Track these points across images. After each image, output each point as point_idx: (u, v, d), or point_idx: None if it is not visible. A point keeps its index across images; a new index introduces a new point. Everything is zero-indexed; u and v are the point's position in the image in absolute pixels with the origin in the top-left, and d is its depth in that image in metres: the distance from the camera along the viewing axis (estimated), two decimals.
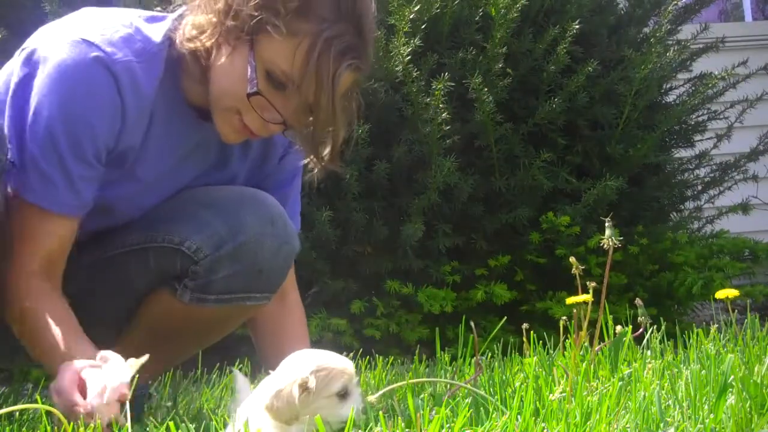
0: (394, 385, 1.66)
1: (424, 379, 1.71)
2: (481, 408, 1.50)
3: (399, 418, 1.37)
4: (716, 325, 2.05)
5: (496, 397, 1.56)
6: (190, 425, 1.40)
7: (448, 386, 1.77)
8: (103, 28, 1.68)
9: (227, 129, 1.72)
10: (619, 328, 1.86)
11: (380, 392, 1.56)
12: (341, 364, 1.38)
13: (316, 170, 1.76)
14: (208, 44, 1.66)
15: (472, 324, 1.89)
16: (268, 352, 1.93)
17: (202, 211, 1.80)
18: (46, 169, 1.64)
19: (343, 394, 1.35)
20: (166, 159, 1.80)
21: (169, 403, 1.98)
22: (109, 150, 1.69)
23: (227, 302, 1.81)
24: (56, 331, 1.62)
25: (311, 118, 1.65)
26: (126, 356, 1.85)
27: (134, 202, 1.82)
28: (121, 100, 1.66)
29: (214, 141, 1.81)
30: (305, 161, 1.78)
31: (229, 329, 1.99)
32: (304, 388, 1.32)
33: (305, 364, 1.36)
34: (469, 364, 2.00)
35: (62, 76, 1.62)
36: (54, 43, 1.66)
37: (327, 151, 1.71)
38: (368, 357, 2.46)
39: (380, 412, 1.31)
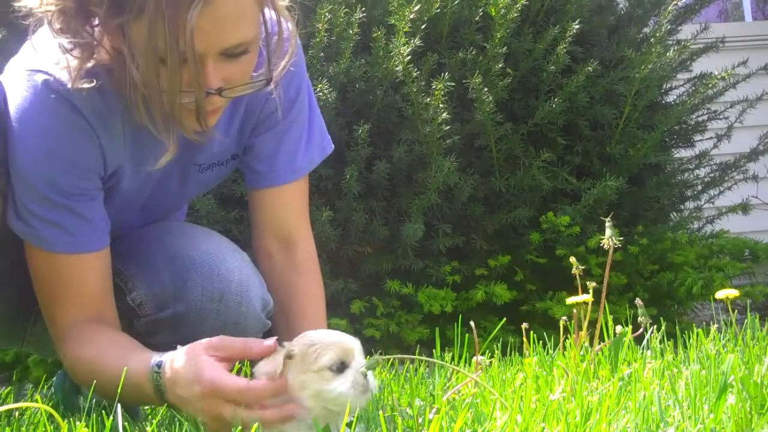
0: (405, 356, 1.66)
1: (434, 360, 1.71)
2: (481, 408, 1.50)
3: (399, 418, 1.37)
4: (716, 325, 2.05)
5: (498, 393, 1.56)
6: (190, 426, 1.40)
7: (447, 387, 1.77)
8: (53, 49, 1.52)
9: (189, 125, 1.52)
10: (619, 328, 1.86)
11: (392, 357, 1.55)
12: (337, 338, 1.36)
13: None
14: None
15: (471, 324, 1.89)
16: (279, 321, 1.77)
17: (161, 257, 1.69)
18: (47, 216, 1.55)
19: (339, 369, 1.33)
20: (147, 166, 1.65)
21: None
22: (101, 176, 1.59)
23: None
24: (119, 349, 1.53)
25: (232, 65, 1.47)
26: None
27: (119, 216, 1.70)
28: (88, 124, 1.54)
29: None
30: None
31: None
32: (289, 356, 1.33)
33: (298, 340, 1.36)
34: (468, 363, 2.00)
35: (25, 124, 1.52)
36: (10, 82, 1.55)
37: (279, 68, 1.55)
38: (368, 357, 2.45)
39: (380, 412, 1.31)
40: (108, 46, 1.46)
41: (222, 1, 1.39)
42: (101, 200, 1.61)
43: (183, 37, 1.35)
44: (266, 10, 1.52)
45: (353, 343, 1.36)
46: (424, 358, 1.71)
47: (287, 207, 1.83)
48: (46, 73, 1.52)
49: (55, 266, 1.59)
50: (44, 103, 1.51)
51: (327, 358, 1.33)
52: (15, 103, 1.53)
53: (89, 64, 1.47)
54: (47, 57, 1.53)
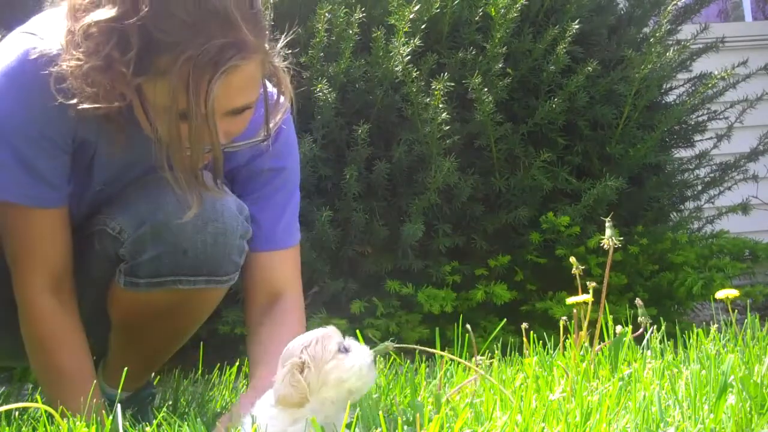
0: (410, 346, 1.67)
1: (436, 351, 1.71)
2: (481, 408, 1.50)
3: (399, 418, 1.37)
4: (716, 325, 2.05)
5: (498, 394, 1.56)
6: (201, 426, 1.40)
7: (448, 387, 1.77)
8: (54, 19, 1.62)
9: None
10: (619, 328, 1.86)
11: (403, 345, 1.56)
12: (319, 331, 1.40)
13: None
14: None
15: (468, 326, 1.89)
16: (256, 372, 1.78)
17: (131, 190, 1.76)
18: (5, 160, 1.63)
19: (344, 348, 1.37)
20: (119, 160, 1.74)
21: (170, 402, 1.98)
22: (72, 139, 1.67)
23: (159, 286, 1.73)
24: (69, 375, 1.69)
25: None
26: (114, 364, 1.85)
27: (88, 200, 1.79)
28: (65, 95, 1.59)
29: None
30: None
31: (195, 317, 1.89)
32: (301, 367, 1.34)
33: (294, 349, 1.37)
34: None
35: (7, 79, 1.62)
36: (6, 39, 1.65)
37: (275, 120, 1.68)
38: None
39: (380, 413, 1.31)
40: (122, 98, 1.56)
41: (238, 73, 1.51)
42: (65, 163, 1.69)
43: (204, 101, 1.48)
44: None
45: (330, 328, 1.41)
46: (432, 350, 1.71)
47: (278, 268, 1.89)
48: (38, 36, 1.61)
49: (8, 219, 1.68)
50: (28, 65, 1.59)
51: (334, 343, 1.37)
52: (2, 62, 1.62)
53: (102, 111, 1.56)
54: (49, 29, 1.61)
